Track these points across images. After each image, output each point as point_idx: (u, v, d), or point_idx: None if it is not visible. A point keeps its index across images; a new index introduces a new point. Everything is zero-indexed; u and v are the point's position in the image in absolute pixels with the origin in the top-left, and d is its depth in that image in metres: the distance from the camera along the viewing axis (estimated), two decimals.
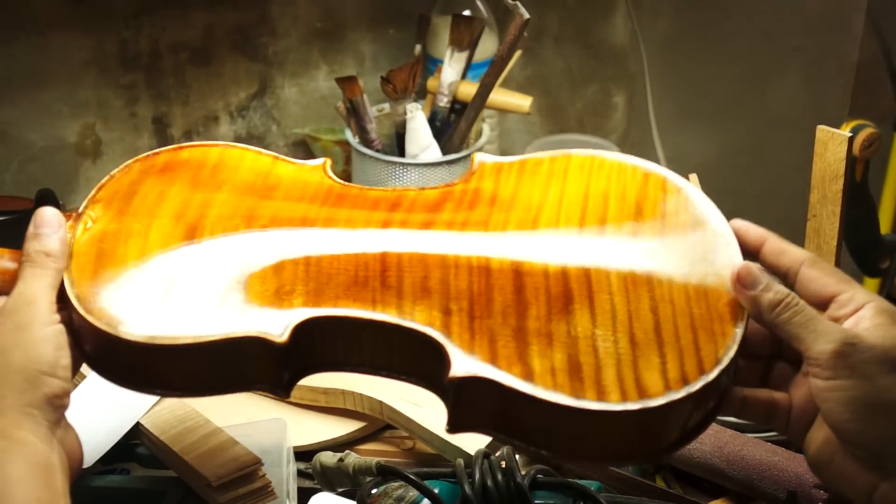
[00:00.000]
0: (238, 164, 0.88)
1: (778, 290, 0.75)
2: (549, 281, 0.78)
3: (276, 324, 0.77)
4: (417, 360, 0.78)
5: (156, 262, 0.80)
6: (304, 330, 0.77)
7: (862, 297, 0.75)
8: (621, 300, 0.77)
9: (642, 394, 0.72)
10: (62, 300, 0.78)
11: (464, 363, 0.74)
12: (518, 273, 0.79)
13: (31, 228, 0.79)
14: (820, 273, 0.77)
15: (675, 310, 0.77)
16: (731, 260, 0.79)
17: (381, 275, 0.79)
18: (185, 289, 0.79)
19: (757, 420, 0.80)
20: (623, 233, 0.82)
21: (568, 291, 0.78)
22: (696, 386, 0.73)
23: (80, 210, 0.82)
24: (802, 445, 0.78)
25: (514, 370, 0.74)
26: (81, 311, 0.77)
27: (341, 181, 0.88)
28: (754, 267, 0.77)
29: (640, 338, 0.75)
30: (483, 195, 0.86)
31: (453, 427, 0.77)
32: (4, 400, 0.73)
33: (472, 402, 0.75)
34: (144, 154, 0.87)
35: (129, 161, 0.86)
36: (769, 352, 0.81)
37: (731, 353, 0.75)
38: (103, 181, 0.85)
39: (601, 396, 0.72)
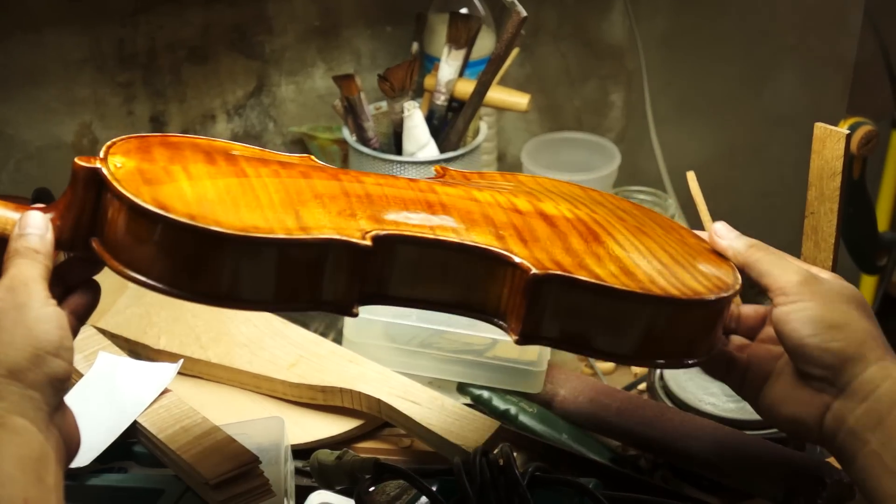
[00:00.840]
0: (237, 149, 0.89)
1: (748, 238, 0.89)
2: (573, 222, 0.88)
3: (354, 233, 0.78)
4: (480, 283, 0.82)
5: (210, 185, 0.80)
6: (380, 243, 0.79)
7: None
8: (636, 240, 0.88)
9: (695, 293, 0.83)
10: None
11: (538, 265, 0.80)
12: (544, 215, 0.88)
13: (16, 230, 0.78)
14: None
15: (681, 249, 0.89)
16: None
17: (428, 209, 0.84)
18: (253, 202, 0.79)
19: (716, 375, 0.92)
20: (613, 203, 0.97)
21: (591, 230, 0.87)
22: (729, 292, 0.85)
23: (82, 157, 0.80)
24: (755, 402, 0.88)
25: (581, 273, 0.80)
26: (148, 206, 0.75)
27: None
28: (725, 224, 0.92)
29: (667, 261, 0.86)
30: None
31: (523, 338, 0.81)
32: (4, 380, 0.72)
33: (543, 308, 0.80)
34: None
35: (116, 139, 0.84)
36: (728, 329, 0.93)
37: (739, 278, 0.88)
38: (107, 143, 0.82)
39: (663, 290, 0.81)
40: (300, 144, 1.57)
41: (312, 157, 0.92)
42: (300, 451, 1.07)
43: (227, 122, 1.52)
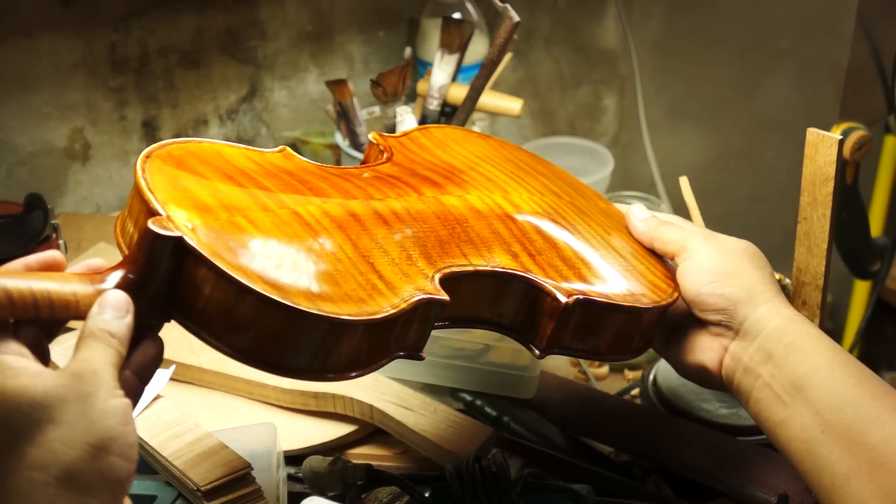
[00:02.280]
0: (227, 155, 0.85)
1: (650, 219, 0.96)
2: (550, 218, 0.93)
3: (427, 284, 0.79)
4: (508, 304, 0.87)
5: (284, 245, 0.77)
6: (445, 286, 0.81)
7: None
8: (596, 235, 0.94)
9: (667, 294, 0.91)
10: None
11: (565, 293, 0.85)
12: (529, 220, 0.91)
13: (95, 309, 0.71)
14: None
15: (631, 243, 0.96)
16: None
17: (454, 229, 0.87)
18: (326, 270, 0.77)
19: None
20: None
21: (566, 229, 0.92)
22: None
23: (157, 222, 0.71)
24: (666, 355, 0.95)
25: (594, 294, 0.87)
26: (247, 281, 0.71)
27: (309, 160, 0.90)
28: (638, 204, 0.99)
29: (637, 256, 0.94)
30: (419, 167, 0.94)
31: (544, 352, 0.87)
32: (57, 490, 0.65)
33: (566, 326, 0.86)
34: (144, 153, 0.78)
35: (136, 162, 0.77)
36: None
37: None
38: (142, 186, 0.74)
39: (652, 301, 0.90)
40: (293, 149, 1.56)
41: (287, 148, 0.90)
42: (292, 457, 1.07)
43: (220, 127, 1.52)
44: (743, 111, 1.87)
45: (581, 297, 0.86)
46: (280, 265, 0.74)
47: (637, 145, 1.72)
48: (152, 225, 0.70)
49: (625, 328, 0.90)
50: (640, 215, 0.97)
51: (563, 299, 0.85)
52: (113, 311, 0.70)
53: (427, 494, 0.94)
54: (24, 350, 0.70)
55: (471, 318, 0.87)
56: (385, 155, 0.94)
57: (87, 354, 0.69)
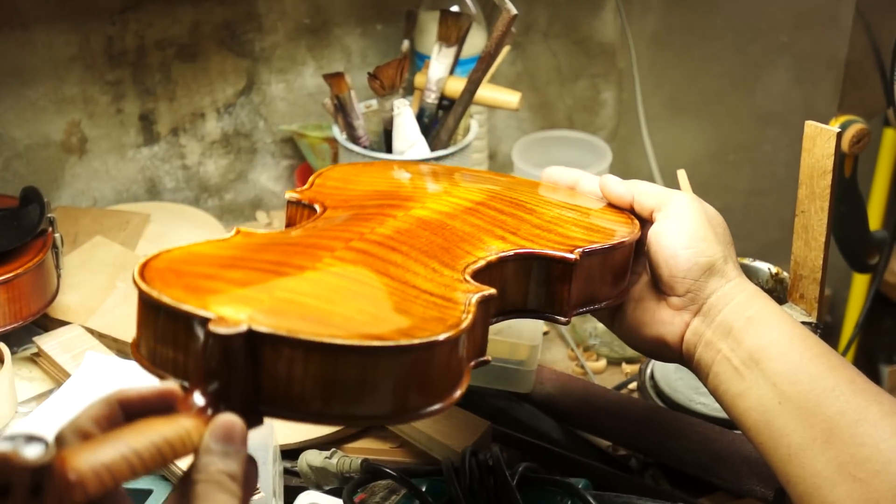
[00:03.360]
0: (207, 250, 0.79)
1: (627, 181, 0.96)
2: (505, 201, 0.95)
3: (469, 286, 0.80)
4: (526, 281, 0.88)
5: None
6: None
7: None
8: (548, 200, 0.98)
9: (632, 226, 0.95)
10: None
11: (566, 249, 0.87)
12: (488, 204, 0.94)
13: (210, 442, 0.64)
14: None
15: (581, 201, 0.99)
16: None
17: (445, 236, 0.87)
18: (390, 305, 0.75)
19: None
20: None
21: (517, 204, 0.95)
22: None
23: (218, 323, 0.65)
24: (613, 327, 0.96)
25: (586, 243, 0.89)
26: (343, 341, 0.66)
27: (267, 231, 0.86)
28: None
29: (592, 209, 0.97)
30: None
31: (569, 314, 0.89)
32: None
33: (577, 281, 0.88)
34: (137, 280, 0.70)
35: (142, 291, 0.70)
36: None
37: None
38: (170, 303, 0.67)
39: (625, 235, 0.92)
40: (290, 143, 1.56)
41: (240, 228, 0.84)
42: (289, 452, 1.07)
43: (217, 121, 1.51)
44: (741, 104, 1.87)
45: (583, 249, 0.87)
46: (352, 317, 0.70)
47: (635, 139, 1.72)
48: (217, 329, 0.64)
49: (618, 267, 0.92)
50: (614, 179, 0.98)
51: (572, 257, 0.86)
52: (227, 444, 0.64)
53: (424, 488, 0.93)
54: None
55: (503, 311, 0.87)
56: (318, 206, 0.92)
57: None
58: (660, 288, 0.92)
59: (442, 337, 0.69)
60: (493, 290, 0.79)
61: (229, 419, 0.64)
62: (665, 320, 0.91)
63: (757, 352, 0.85)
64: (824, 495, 0.79)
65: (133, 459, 0.59)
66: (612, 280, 0.92)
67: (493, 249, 0.86)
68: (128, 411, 0.64)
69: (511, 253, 0.86)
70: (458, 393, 0.72)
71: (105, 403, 0.63)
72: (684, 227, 0.90)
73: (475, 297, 0.76)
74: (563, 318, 0.89)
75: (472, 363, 0.77)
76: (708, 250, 0.89)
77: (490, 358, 0.80)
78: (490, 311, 0.81)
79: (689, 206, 0.92)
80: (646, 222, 0.94)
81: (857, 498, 0.78)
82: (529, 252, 0.86)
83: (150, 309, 0.70)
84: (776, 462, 0.83)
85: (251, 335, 0.65)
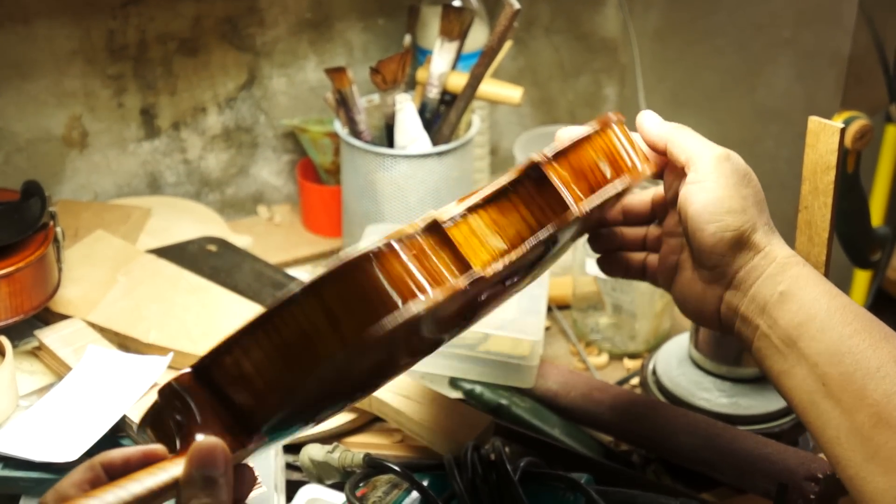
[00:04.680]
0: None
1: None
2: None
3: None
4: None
5: None
6: None
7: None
8: None
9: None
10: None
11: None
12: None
13: (190, 469, 0.61)
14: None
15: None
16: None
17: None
18: None
19: (635, 276, 0.97)
20: None
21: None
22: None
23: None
24: (669, 291, 0.93)
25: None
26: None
27: None
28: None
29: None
30: None
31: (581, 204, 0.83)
32: None
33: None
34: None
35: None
36: (646, 219, 0.97)
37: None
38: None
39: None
40: (291, 137, 1.56)
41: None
42: (291, 446, 1.07)
43: (219, 115, 1.51)
44: (744, 101, 1.86)
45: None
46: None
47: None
48: (172, 382, 0.66)
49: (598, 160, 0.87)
50: (654, 118, 0.93)
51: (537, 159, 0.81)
52: (209, 468, 0.61)
53: (426, 483, 0.93)
54: None
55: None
56: None
57: None
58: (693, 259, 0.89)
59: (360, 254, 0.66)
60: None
61: (208, 441, 0.62)
62: (699, 295, 0.89)
63: (794, 330, 0.82)
64: (876, 482, 0.77)
65: None
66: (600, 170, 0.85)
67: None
68: (112, 476, 0.62)
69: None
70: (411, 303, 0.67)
71: (88, 468, 0.62)
72: (710, 196, 0.85)
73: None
74: (575, 211, 0.81)
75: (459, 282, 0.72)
76: (734, 222, 0.85)
77: (486, 275, 0.75)
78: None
79: (717, 168, 0.86)
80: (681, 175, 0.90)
81: None
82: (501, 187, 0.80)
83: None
84: (824, 443, 0.80)
85: (196, 370, 0.65)
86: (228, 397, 0.65)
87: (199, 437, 0.63)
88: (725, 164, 0.87)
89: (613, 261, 0.98)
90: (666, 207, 0.94)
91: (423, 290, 0.68)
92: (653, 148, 0.91)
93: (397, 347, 0.74)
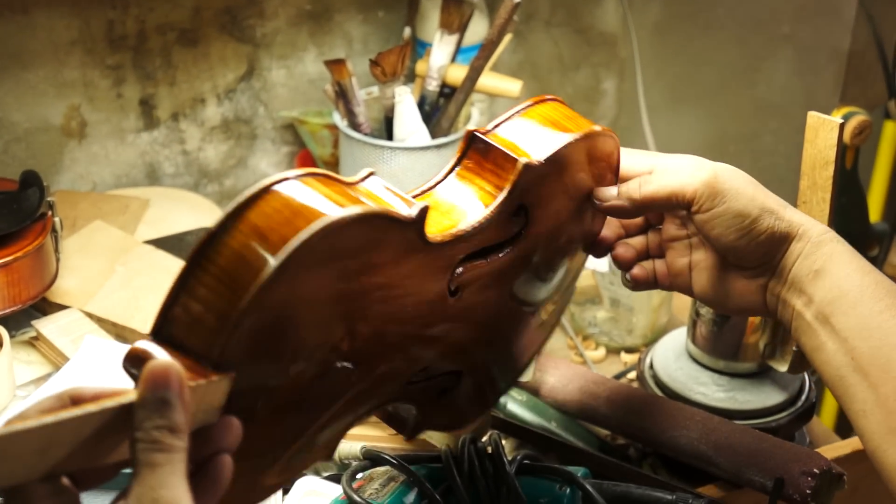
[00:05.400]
0: None
1: (628, 185, 0.88)
2: None
3: None
4: None
5: None
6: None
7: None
8: None
9: None
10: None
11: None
12: None
13: (143, 391, 0.59)
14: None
15: None
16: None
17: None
18: None
19: (648, 286, 0.95)
20: None
21: None
22: None
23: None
24: (694, 296, 0.93)
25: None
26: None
27: None
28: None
29: None
30: None
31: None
32: None
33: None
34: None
35: None
36: (641, 228, 0.95)
37: None
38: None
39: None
40: (290, 129, 1.56)
41: None
42: None
43: (218, 107, 1.51)
44: (743, 95, 1.86)
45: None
46: None
47: (636, 129, 1.72)
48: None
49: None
50: (613, 191, 0.89)
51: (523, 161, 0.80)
52: (161, 390, 0.59)
53: (423, 475, 0.93)
54: (66, 488, 0.60)
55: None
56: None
57: (160, 480, 0.57)
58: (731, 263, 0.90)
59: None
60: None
61: (160, 362, 0.59)
62: (744, 291, 0.89)
63: (827, 306, 0.83)
64: None
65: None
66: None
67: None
68: None
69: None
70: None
71: (56, 398, 0.61)
72: (727, 219, 0.85)
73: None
74: (523, 160, 0.81)
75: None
76: (760, 227, 0.85)
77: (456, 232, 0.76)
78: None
79: (717, 194, 0.85)
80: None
81: None
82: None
83: None
84: (851, 416, 0.82)
85: (154, 334, 0.65)
86: (189, 348, 0.64)
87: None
88: (717, 186, 0.85)
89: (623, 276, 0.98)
90: (661, 216, 0.94)
91: (348, 202, 0.68)
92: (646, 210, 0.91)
93: (357, 316, 0.72)
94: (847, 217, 1.45)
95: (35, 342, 1.19)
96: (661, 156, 0.90)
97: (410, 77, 1.45)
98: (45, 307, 1.24)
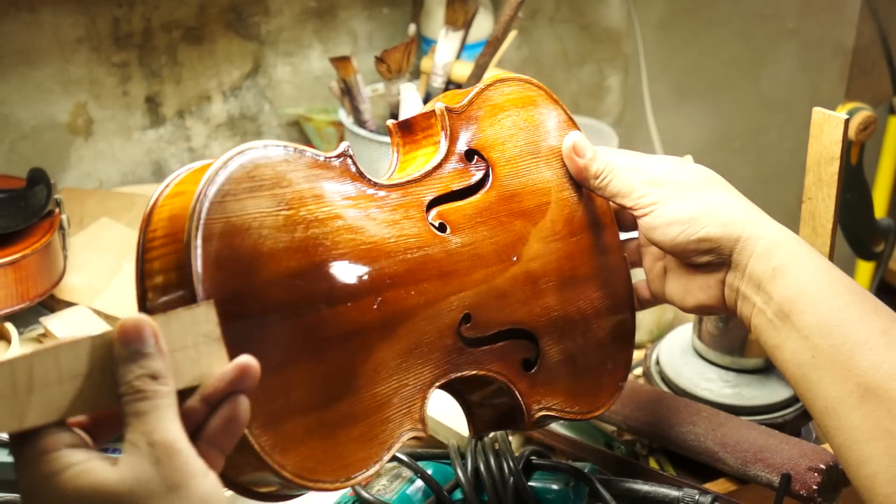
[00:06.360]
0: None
1: (601, 160, 0.91)
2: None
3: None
4: None
5: None
6: None
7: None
8: None
9: None
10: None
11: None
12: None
13: (119, 348, 0.61)
14: None
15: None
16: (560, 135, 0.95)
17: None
18: None
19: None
20: None
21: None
22: None
23: None
24: (664, 300, 0.94)
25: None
26: None
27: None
28: (583, 137, 0.93)
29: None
30: None
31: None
32: None
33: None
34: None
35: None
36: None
37: None
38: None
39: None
40: (296, 126, 1.56)
41: None
42: None
43: (223, 104, 1.51)
44: (747, 91, 1.86)
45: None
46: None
47: (641, 124, 1.72)
48: None
49: None
50: (589, 151, 0.93)
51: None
52: (135, 344, 0.61)
53: (430, 471, 0.94)
54: (78, 437, 0.61)
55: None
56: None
57: (151, 426, 0.59)
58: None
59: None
60: (426, 434, 0.78)
61: (130, 318, 0.61)
62: (702, 285, 0.90)
63: (787, 304, 0.83)
64: (861, 449, 0.79)
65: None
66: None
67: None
68: None
69: (492, 375, 0.85)
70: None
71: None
72: (668, 217, 0.87)
73: (404, 440, 0.77)
74: (471, 430, 0.88)
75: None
76: (703, 221, 0.86)
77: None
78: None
79: (659, 191, 0.88)
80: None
81: (893, 454, 0.77)
82: (508, 387, 0.85)
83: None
84: (815, 414, 0.82)
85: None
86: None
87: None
88: (666, 185, 0.88)
89: None
90: (634, 221, 0.95)
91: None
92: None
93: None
94: (852, 212, 1.45)
95: (43, 339, 1.20)
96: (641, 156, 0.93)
97: (416, 74, 1.45)
98: (52, 304, 1.24)
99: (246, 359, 0.64)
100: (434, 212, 0.84)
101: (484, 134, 0.90)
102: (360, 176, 0.80)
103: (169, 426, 0.60)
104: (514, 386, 0.85)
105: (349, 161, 0.80)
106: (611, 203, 0.94)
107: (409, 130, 0.90)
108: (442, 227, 0.84)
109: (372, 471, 0.74)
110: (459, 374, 0.81)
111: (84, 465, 0.59)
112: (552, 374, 0.88)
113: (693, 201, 0.87)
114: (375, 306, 0.77)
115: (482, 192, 0.88)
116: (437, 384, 0.80)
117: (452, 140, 0.88)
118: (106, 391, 0.61)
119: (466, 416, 0.88)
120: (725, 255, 0.87)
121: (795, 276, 0.84)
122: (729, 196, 0.88)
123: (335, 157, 0.79)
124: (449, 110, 0.88)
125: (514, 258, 0.87)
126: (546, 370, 0.88)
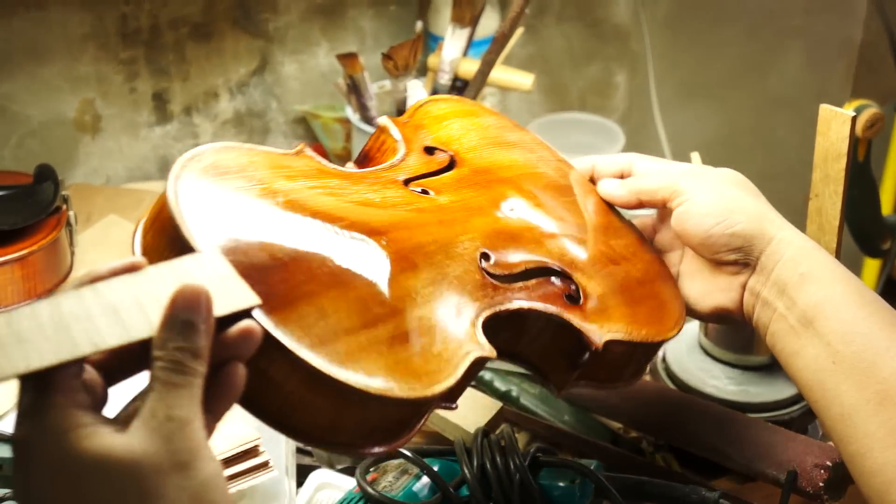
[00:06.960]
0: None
1: (639, 162, 0.94)
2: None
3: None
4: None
5: None
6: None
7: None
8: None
9: None
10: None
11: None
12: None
13: (171, 309, 0.59)
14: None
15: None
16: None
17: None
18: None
19: None
20: None
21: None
22: None
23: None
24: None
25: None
26: None
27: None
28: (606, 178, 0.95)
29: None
30: None
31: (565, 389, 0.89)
32: None
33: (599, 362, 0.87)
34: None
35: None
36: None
37: None
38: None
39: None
40: (303, 123, 1.56)
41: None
42: None
43: (230, 101, 1.52)
44: (754, 88, 1.86)
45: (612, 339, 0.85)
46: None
47: (648, 122, 1.72)
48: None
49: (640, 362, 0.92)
50: (612, 183, 0.94)
51: (596, 343, 0.84)
52: (195, 314, 0.59)
53: (436, 468, 0.94)
54: (89, 399, 0.60)
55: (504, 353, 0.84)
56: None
57: (177, 401, 0.58)
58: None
59: (406, 397, 0.70)
60: (492, 353, 0.77)
61: (192, 285, 0.60)
62: (722, 287, 0.90)
63: (811, 310, 0.84)
64: (875, 457, 0.79)
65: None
66: (624, 373, 0.90)
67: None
68: None
69: (541, 310, 0.83)
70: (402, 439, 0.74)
71: (77, 284, 0.62)
72: (705, 207, 0.88)
73: (469, 359, 0.75)
74: (554, 390, 0.87)
75: (435, 406, 0.76)
76: (739, 216, 0.87)
77: (455, 406, 0.77)
78: (480, 367, 0.78)
79: (698, 182, 0.90)
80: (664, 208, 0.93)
81: None
82: (561, 318, 0.84)
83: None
84: (828, 421, 0.82)
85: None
86: None
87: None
88: (703, 178, 0.91)
89: None
90: (653, 228, 0.97)
91: None
92: (629, 207, 0.94)
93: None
94: (859, 209, 1.45)
95: None
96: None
97: (422, 71, 1.45)
98: None
99: (247, 323, 0.63)
100: (413, 185, 0.87)
101: (437, 135, 0.93)
102: (327, 164, 0.83)
103: (192, 406, 0.59)
104: (566, 316, 0.83)
105: (311, 152, 0.83)
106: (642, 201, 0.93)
107: (366, 157, 0.92)
108: (425, 192, 0.87)
109: (449, 382, 0.73)
110: (504, 308, 0.81)
111: (93, 427, 0.58)
112: (602, 304, 0.87)
113: (730, 197, 0.89)
114: (384, 242, 0.78)
115: (454, 169, 0.91)
116: (486, 314, 0.79)
117: (408, 140, 0.91)
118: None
119: (541, 380, 0.88)
120: (753, 257, 0.87)
121: (823, 282, 0.85)
122: (760, 201, 0.90)
123: (294, 153, 0.82)
124: (390, 118, 0.91)
125: (511, 209, 0.89)
126: (594, 301, 0.86)
